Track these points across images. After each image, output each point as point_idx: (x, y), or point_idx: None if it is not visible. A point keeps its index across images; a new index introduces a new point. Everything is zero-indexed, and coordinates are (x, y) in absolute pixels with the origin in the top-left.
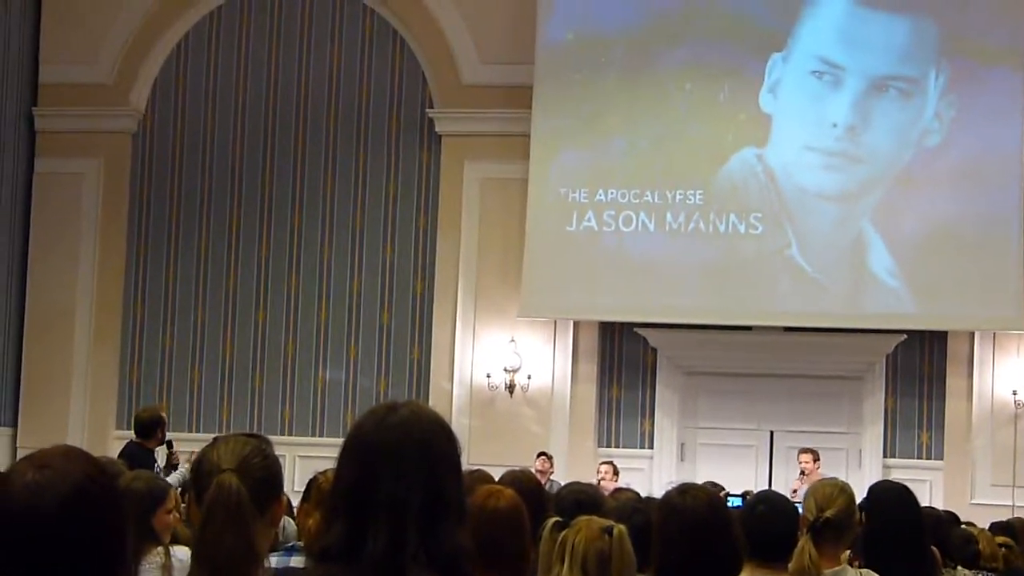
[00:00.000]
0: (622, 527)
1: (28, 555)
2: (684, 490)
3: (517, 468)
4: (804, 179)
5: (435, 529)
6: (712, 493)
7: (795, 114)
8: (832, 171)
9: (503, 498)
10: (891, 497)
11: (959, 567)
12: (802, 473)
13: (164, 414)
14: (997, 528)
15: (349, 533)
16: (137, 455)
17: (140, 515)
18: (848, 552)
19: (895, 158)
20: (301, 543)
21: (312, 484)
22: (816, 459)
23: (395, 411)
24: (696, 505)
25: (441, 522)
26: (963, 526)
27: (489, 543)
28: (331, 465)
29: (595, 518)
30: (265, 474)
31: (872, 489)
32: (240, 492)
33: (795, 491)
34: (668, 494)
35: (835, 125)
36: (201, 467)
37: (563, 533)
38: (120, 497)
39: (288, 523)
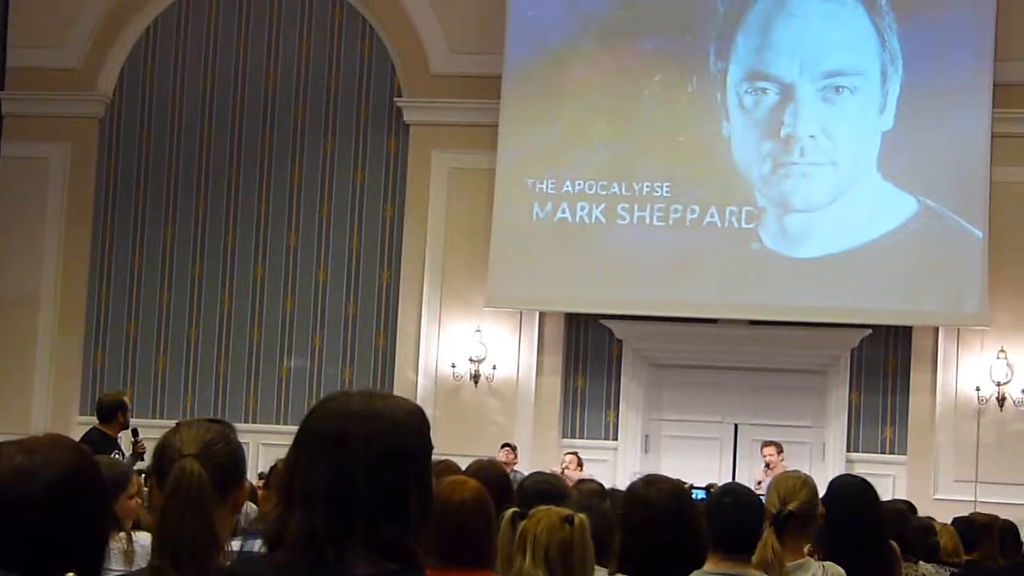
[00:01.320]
0: (582, 516)
1: (11, 539)
2: (649, 481)
3: (484, 458)
4: (770, 176)
5: (373, 520)
6: (677, 484)
7: (751, 132)
8: (795, 177)
9: (467, 489)
10: (851, 492)
11: (920, 562)
12: (767, 466)
13: (127, 399)
14: (959, 523)
15: (288, 520)
16: (98, 442)
17: None
18: (808, 545)
19: (857, 155)
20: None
21: (272, 470)
22: (780, 451)
23: (347, 400)
24: (661, 496)
25: (378, 514)
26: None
27: (454, 534)
28: None
29: (554, 508)
30: (227, 460)
31: (832, 483)
32: (201, 477)
33: (759, 483)
34: (633, 485)
35: (791, 136)
36: (163, 452)
37: (523, 524)
38: (104, 486)
39: (251, 508)
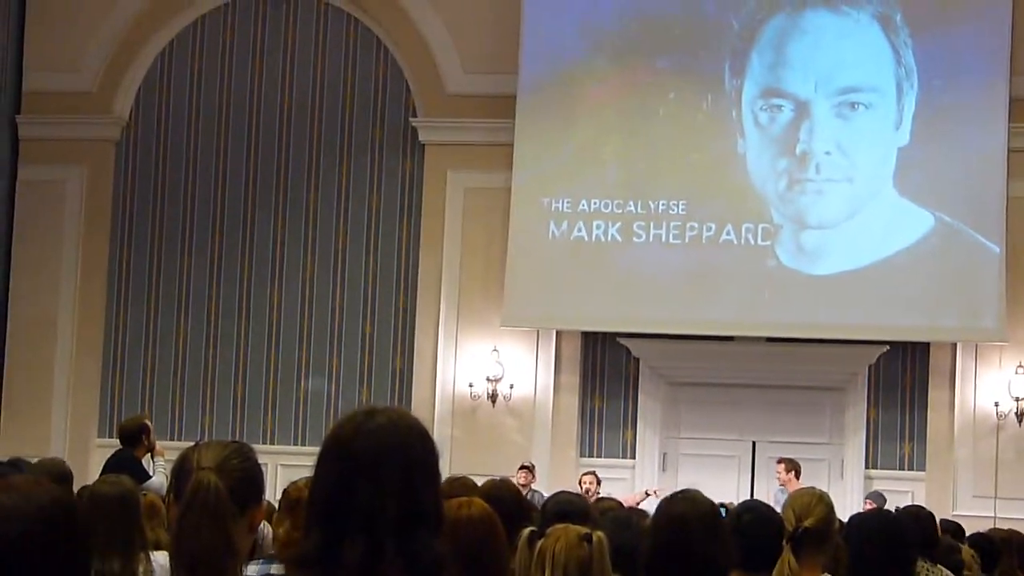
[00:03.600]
0: (600, 533)
1: None
2: (683, 497)
3: (496, 478)
4: (786, 193)
5: (412, 537)
6: (709, 501)
7: (766, 149)
8: (811, 193)
9: (472, 507)
10: (869, 527)
11: (939, 565)
12: (780, 483)
13: (148, 421)
14: (978, 538)
15: (326, 541)
16: (131, 461)
17: (115, 519)
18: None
19: (873, 171)
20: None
21: (285, 493)
22: (790, 469)
23: (373, 417)
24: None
25: (418, 530)
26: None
27: (461, 553)
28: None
29: (571, 526)
30: (244, 475)
31: (853, 523)
32: (218, 488)
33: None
34: (666, 500)
35: (806, 153)
36: (182, 467)
37: (540, 543)
38: (81, 524)
39: (268, 530)
